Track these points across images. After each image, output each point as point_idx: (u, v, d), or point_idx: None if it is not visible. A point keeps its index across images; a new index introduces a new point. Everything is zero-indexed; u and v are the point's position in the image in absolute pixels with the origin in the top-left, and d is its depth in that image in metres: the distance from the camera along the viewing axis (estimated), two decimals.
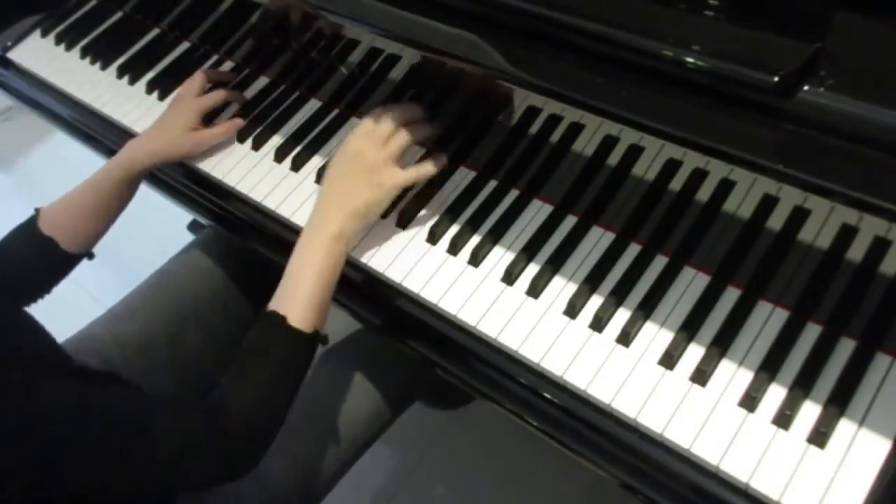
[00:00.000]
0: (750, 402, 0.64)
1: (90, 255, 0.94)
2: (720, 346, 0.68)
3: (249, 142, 0.97)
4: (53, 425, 0.60)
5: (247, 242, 0.98)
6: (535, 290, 0.75)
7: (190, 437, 0.67)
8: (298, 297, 0.74)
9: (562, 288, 0.75)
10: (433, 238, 0.82)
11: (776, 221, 0.72)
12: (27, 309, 0.86)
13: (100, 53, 1.16)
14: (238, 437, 0.69)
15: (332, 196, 0.80)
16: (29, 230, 0.90)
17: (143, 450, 0.64)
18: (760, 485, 0.61)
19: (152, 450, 0.64)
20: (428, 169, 0.83)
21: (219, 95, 0.99)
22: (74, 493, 0.62)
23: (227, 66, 1.08)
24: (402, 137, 0.82)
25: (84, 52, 1.17)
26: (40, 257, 0.90)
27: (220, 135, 0.96)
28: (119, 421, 0.64)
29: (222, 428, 0.68)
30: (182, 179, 1.02)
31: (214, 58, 1.10)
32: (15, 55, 1.22)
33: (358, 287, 0.86)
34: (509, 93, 0.87)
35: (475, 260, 0.79)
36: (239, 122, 0.98)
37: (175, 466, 0.66)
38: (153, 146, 0.94)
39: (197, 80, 1.00)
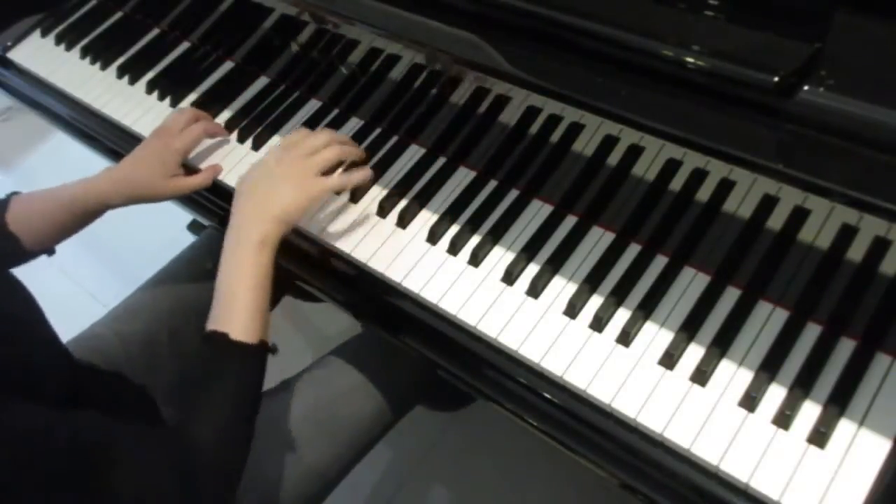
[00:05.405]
0: (750, 402, 0.64)
1: (50, 252, 0.91)
2: (720, 346, 0.68)
3: (250, 142, 0.97)
4: (11, 448, 0.56)
5: None
6: (535, 290, 0.75)
7: (156, 472, 0.62)
8: (236, 311, 0.72)
9: (562, 288, 0.75)
10: (433, 238, 0.82)
11: (776, 221, 0.72)
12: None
13: (100, 53, 1.16)
14: (208, 473, 0.65)
15: (252, 204, 0.78)
16: None
17: (106, 481, 0.59)
18: (760, 485, 0.61)
19: (115, 482, 0.60)
20: (356, 177, 0.82)
21: (198, 131, 0.93)
22: None
23: (227, 65, 1.08)
24: (329, 152, 0.82)
25: (84, 52, 1.17)
26: None
27: (200, 184, 0.92)
28: (83, 449, 0.59)
29: (191, 462, 0.64)
30: None
31: (214, 57, 1.10)
32: (15, 55, 1.22)
33: (358, 287, 0.86)
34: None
35: (475, 260, 0.79)
36: (218, 168, 0.94)
37: (138, 500, 0.61)
38: (130, 190, 0.89)
39: (182, 117, 0.94)
